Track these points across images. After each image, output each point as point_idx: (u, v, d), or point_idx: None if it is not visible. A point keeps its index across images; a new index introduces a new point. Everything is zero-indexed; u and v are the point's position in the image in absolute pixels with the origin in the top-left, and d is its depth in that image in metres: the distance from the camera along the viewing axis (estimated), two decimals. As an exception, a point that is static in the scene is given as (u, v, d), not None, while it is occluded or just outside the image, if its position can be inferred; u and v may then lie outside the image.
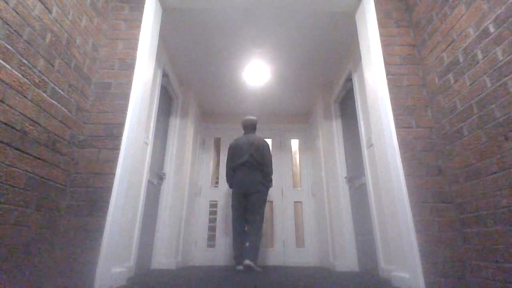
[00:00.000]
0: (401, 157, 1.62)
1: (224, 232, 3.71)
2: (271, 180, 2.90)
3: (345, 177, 2.99)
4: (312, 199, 3.84)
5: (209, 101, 3.88)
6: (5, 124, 1.09)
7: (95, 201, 1.48)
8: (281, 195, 3.89)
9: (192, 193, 3.56)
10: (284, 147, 4.14)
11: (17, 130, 1.14)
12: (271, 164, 2.91)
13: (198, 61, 3.01)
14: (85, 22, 1.63)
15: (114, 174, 1.53)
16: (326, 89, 3.46)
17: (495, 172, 1.27)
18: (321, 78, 3.32)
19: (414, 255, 1.43)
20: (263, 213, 2.78)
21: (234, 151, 2.95)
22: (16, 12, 1.14)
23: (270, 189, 3.89)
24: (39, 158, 1.27)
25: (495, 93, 1.27)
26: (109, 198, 1.49)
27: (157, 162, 2.77)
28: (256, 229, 2.64)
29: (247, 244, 2.56)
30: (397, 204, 1.55)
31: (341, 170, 3.06)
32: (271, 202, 3.88)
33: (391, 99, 1.73)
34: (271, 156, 2.94)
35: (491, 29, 1.29)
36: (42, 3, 1.29)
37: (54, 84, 1.37)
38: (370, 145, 2.33)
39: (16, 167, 1.14)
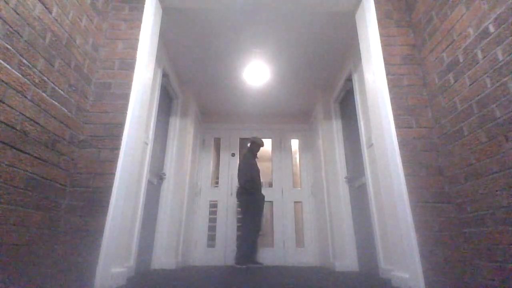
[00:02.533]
0: (401, 157, 1.62)
1: (224, 232, 3.71)
2: (246, 183, 3.26)
3: (345, 177, 2.99)
4: (312, 199, 3.84)
5: (209, 101, 3.88)
6: (5, 124, 1.09)
7: (95, 201, 1.48)
8: (281, 195, 3.89)
9: (192, 193, 3.56)
10: (284, 147, 4.14)
11: (17, 130, 1.14)
12: (243, 172, 3.32)
13: (198, 61, 3.01)
14: (85, 22, 1.63)
15: (114, 174, 1.53)
16: (326, 89, 3.46)
17: (495, 172, 1.27)
18: (321, 78, 3.32)
19: (414, 255, 1.43)
20: (248, 218, 3.18)
21: None
22: (16, 12, 1.14)
23: (270, 189, 3.90)
24: (39, 158, 1.27)
25: (495, 93, 1.27)
26: (109, 198, 1.49)
27: (157, 162, 2.77)
28: (241, 234, 3.15)
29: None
30: (397, 204, 1.55)
31: (341, 170, 3.06)
32: (271, 202, 3.88)
33: (391, 99, 1.73)
34: (244, 165, 3.37)
35: (491, 29, 1.29)
36: (42, 3, 1.29)
37: (54, 84, 1.37)
38: (370, 145, 2.33)
39: (16, 167, 1.14)
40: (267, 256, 3.62)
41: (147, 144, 2.34)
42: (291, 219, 3.78)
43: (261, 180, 3.52)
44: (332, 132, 3.23)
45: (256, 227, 3.17)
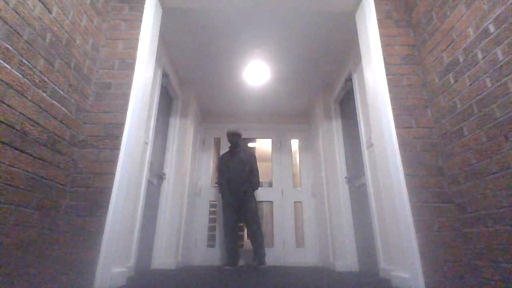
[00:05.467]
0: (401, 157, 1.62)
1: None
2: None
3: (345, 177, 2.99)
4: (312, 199, 3.84)
5: (209, 101, 3.88)
6: (5, 124, 1.09)
7: (95, 201, 1.48)
8: (281, 195, 3.89)
9: (192, 193, 3.55)
10: (284, 147, 4.14)
11: (17, 130, 1.14)
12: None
13: (198, 61, 3.01)
14: (85, 22, 1.63)
15: (114, 174, 1.53)
16: (326, 89, 3.46)
17: (495, 172, 1.27)
18: (321, 78, 3.32)
19: (414, 255, 1.43)
20: (259, 219, 3.14)
21: None
22: (16, 12, 1.14)
23: (270, 189, 3.91)
24: (39, 158, 1.27)
25: (495, 93, 1.27)
26: (109, 198, 1.49)
27: (157, 162, 2.77)
28: (258, 237, 3.05)
29: None
30: (397, 204, 1.55)
31: (341, 170, 3.06)
32: (271, 202, 3.88)
33: (391, 99, 1.73)
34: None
35: (491, 29, 1.29)
36: (42, 3, 1.29)
37: (54, 84, 1.37)
38: (370, 145, 2.33)
39: (16, 167, 1.14)
40: (267, 256, 3.62)
41: (147, 144, 2.34)
42: (291, 219, 3.78)
43: (237, 178, 3.16)
44: (332, 132, 3.23)
45: (226, 235, 3.03)
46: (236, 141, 3.29)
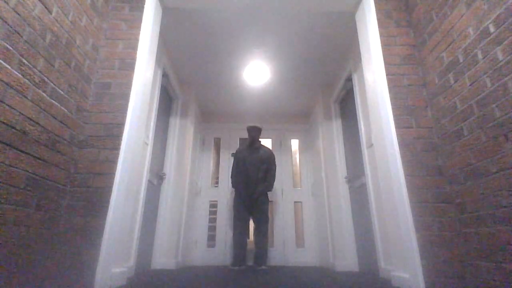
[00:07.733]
0: (401, 157, 1.62)
1: (224, 232, 3.70)
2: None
3: (345, 177, 2.99)
4: (312, 199, 3.84)
5: (209, 101, 3.88)
6: (5, 124, 1.09)
7: (95, 201, 1.48)
8: (281, 195, 3.89)
9: (192, 193, 3.55)
10: (284, 147, 4.14)
11: (17, 130, 1.14)
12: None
13: (198, 61, 3.01)
14: (85, 22, 1.63)
15: (114, 174, 1.53)
16: (326, 89, 3.46)
17: (495, 172, 1.27)
18: (321, 78, 3.32)
19: (414, 255, 1.43)
20: (266, 218, 3.14)
21: None
22: (16, 12, 1.14)
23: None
24: (39, 158, 1.27)
25: (495, 93, 1.27)
26: (109, 198, 1.49)
27: (157, 162, 2.77)
28: (263, 236, 3.07)
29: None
30: (397, 204, 1.55)
31: (341, 170, 3.06)
32: (272, 202, 3.88)
33: (391, 99, 1.73)
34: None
35: (491, 29, 1.29)
36: (42, 3, 1.29)
37: (54, 84, 1.37)
38: (370, 145, 2.33)
39: (16, 167, 1.14)
40: (267, 256, 3.61)
41: (147, 144, 2.34)
42: (291, 219, 3.78)
43: (257, 174, 3.14)
44: (332, 132, 3.23)
45: (235, 232, 3.03)
46: (256, 136, 3.27)
